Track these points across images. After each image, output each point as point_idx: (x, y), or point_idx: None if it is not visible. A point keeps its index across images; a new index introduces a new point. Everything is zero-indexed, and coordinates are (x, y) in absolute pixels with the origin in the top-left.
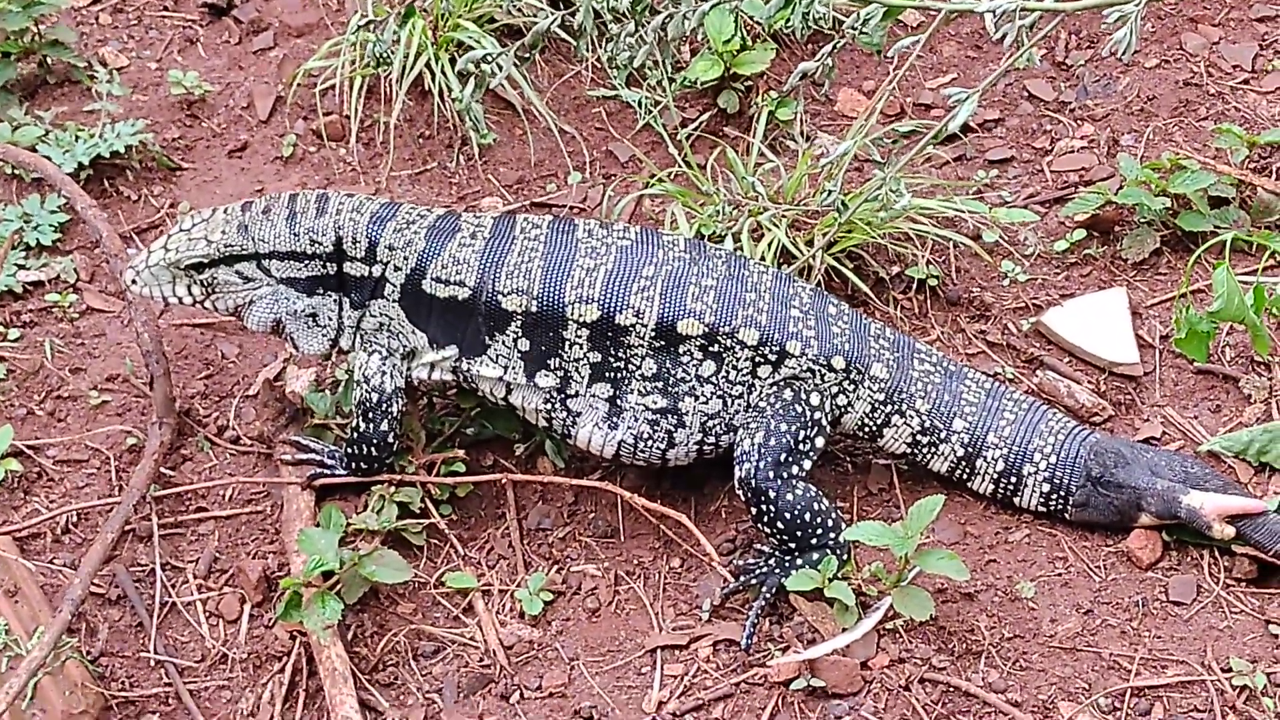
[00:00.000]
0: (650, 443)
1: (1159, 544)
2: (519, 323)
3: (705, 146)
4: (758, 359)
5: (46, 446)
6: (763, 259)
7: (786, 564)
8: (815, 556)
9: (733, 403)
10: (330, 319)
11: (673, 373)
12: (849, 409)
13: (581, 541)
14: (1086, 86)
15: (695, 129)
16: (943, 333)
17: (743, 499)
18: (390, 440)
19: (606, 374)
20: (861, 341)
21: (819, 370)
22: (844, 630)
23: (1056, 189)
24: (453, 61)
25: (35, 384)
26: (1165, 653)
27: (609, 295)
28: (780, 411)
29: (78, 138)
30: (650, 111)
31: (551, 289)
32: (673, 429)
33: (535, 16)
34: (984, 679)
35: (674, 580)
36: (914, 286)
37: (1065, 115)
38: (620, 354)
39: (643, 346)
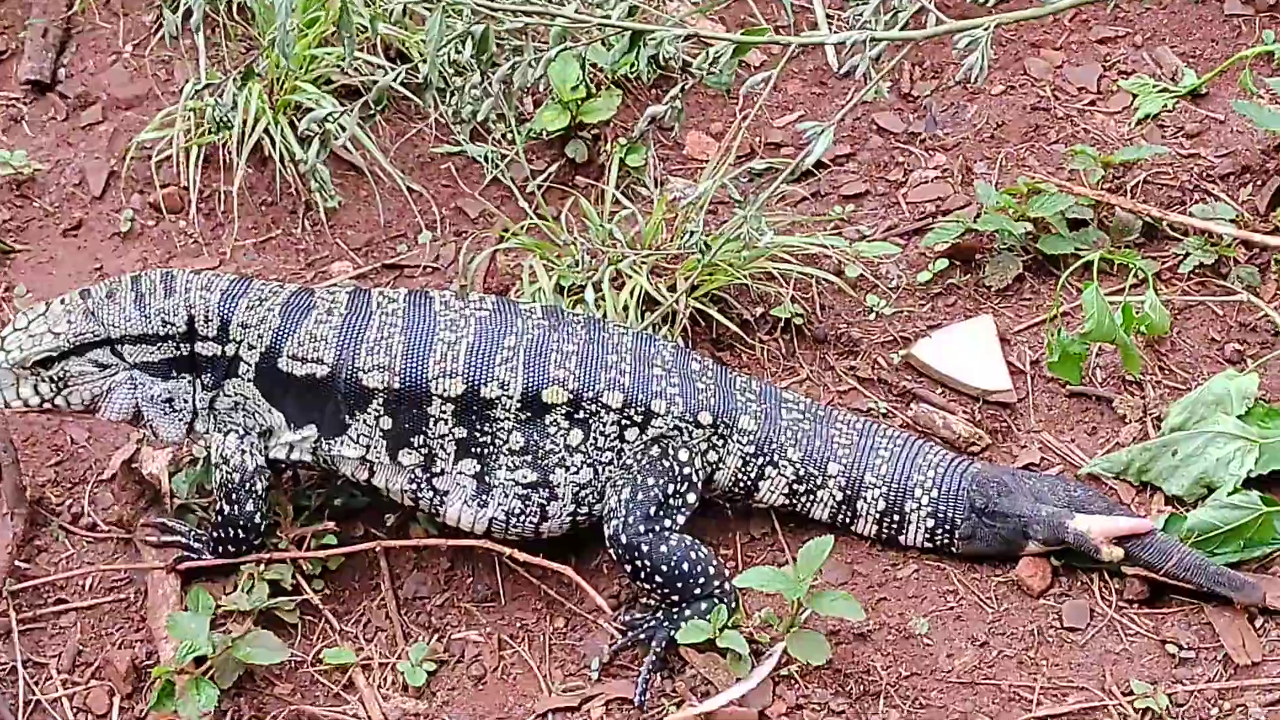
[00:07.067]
0: (523, 517)
1: (1048, 571)
2: (381, 400)
3: (555, 198)
4: (624, 421)
5: None
6: (625, 307)
7: (675, 616)
8: (703, 606)
9: (603, 470)
10: (186, 402)
11: (540, 444)
12: (720, 464)
13: (461, 607)
14: (935, 117)
15: (545, 180)
16: (812, 371)
17: (615, 557)
18: (257, 520)
19: (473, 449)
20: (727, 395)
21: (686, 427)
22: (738, 680)
23: (914, 220)
24: (292, 125)
25: None
26: (1065, 680)
27: (473, 368)
28: (647, 467)
29: None
30: (497, 165)
31: (414, 364)
32: (545, 502)
33: (374, 75)
34: (884, 719)
35: (560, 640)
36: (780, 326)
37: (916, 146)
38: (486, 428)
39: (509, 419)
